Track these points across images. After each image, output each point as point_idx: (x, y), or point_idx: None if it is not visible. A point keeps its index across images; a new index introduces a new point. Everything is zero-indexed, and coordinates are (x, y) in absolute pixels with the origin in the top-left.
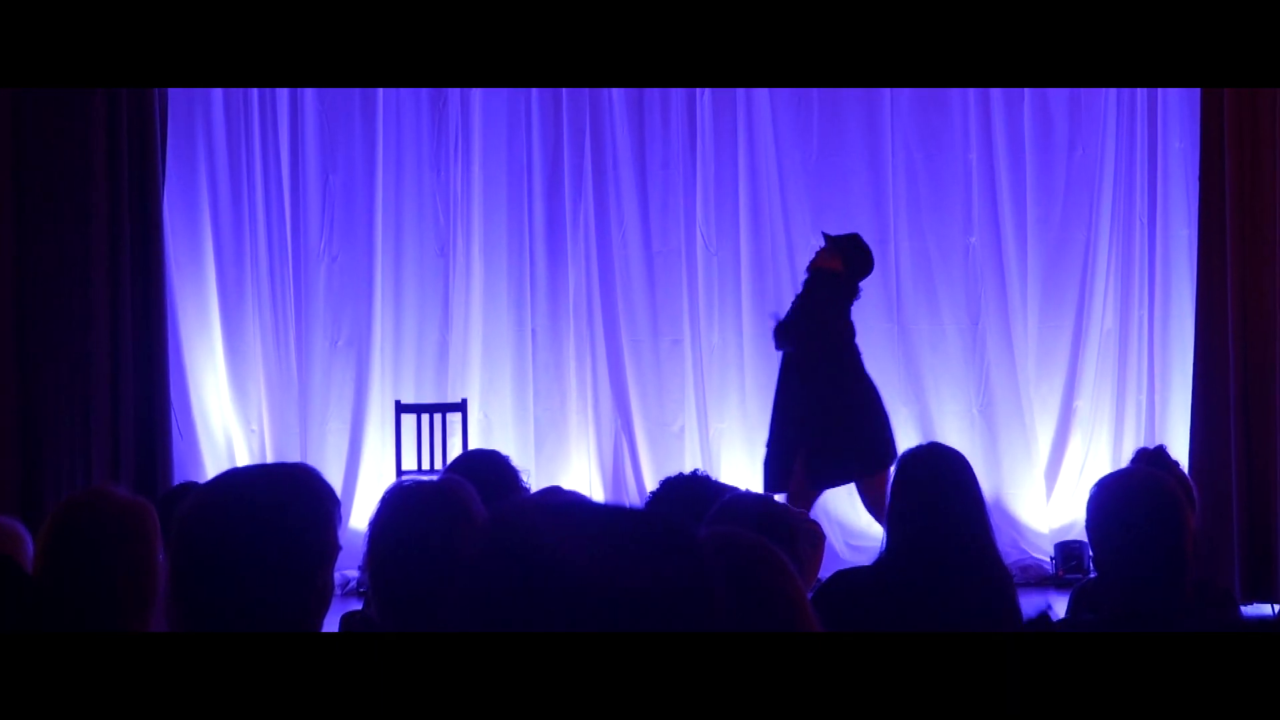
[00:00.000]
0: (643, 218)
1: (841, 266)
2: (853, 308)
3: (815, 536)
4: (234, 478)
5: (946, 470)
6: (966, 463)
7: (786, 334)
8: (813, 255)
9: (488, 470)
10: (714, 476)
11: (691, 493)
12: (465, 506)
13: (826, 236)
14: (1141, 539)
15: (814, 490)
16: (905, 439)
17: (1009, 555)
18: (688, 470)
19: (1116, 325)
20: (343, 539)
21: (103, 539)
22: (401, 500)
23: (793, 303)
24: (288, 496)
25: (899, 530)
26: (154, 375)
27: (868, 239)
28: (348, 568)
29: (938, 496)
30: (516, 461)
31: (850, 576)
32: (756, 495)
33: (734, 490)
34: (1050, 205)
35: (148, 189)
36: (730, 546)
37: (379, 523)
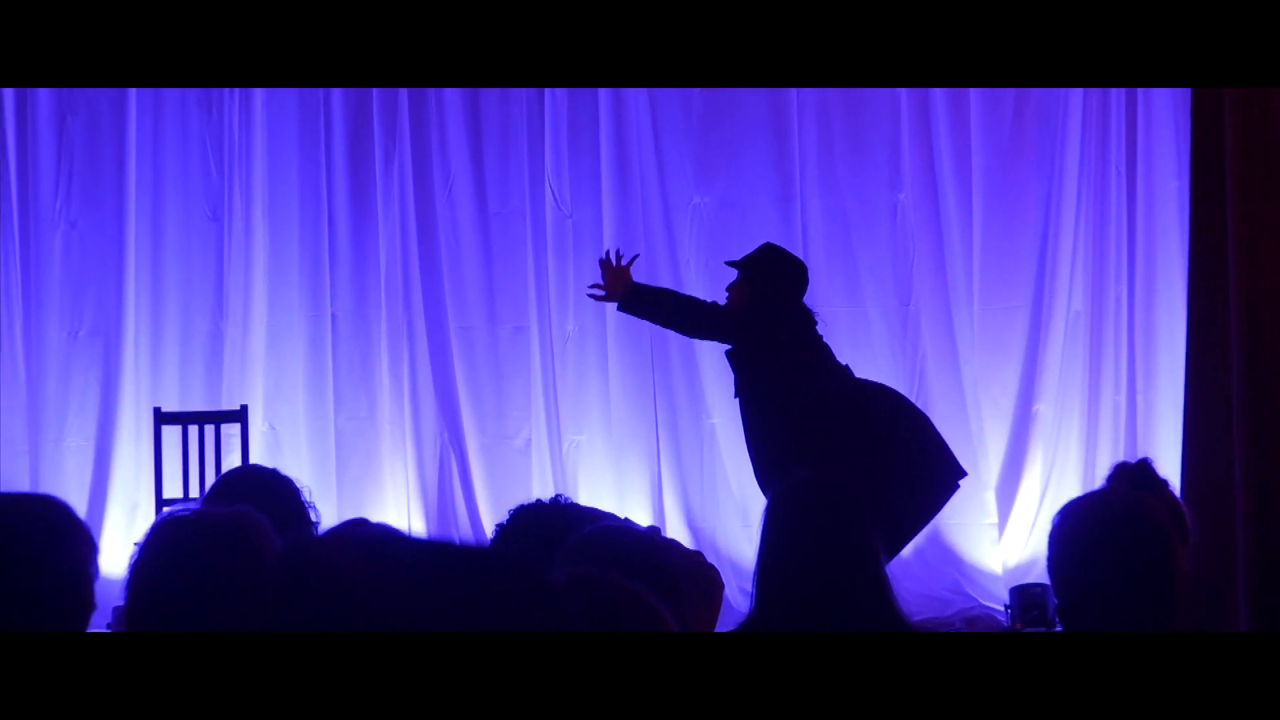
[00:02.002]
0: (475, 169)
1: (761, 293)
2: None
3: (709, 583)
4: None
5: (826, 515)
6: (856, 502)
7: (764, 412)
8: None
9: (263, 494)
10: (575, 503)
11: (552, 526)
12: (259, 548)
13: (731, 264)
14: (1119, 581)
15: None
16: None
17: (950, 604)
18: (546, 495)
19: (1087, 306)
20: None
21: None
22: (173, 537)
23: (738, 371)
24: (27, 541)
25: (767, 591)
26: None
27: (767, 193)
28: (96, 626)
29: (811, 551)
30: (305, 483)
31: None
32: (630, 526)
33: (605, 519)
34: (1000, 149)
35: None
36: (591, 593)
37: (143, 567)
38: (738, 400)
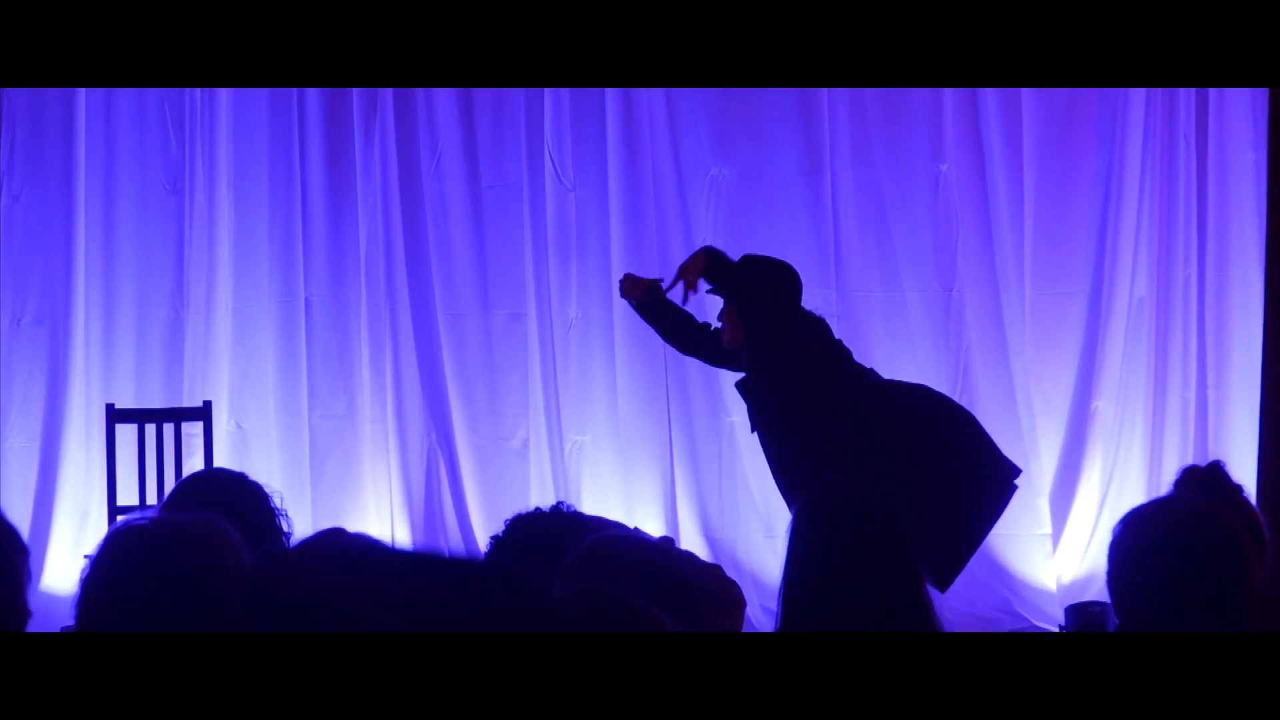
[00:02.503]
0: (466, 138)
1: (754, 325)
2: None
3: (728, 600)
4: None
5: (860, 525)
6: (893, 511)
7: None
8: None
9: (226, 504)
10: (578, 511)
11: (553, 537)
12: (225, 562)
13: (713, 292)
14: (1187, 598)
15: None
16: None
17: (999, 624)
18: (545, 503)
19: (1151, 291)
20: (34, 603)
21: None
22: (130, 549)
23: (750, 401)
24: None
25: (794, 608)
26: None
27: (793, 165)
28: None
29: (844, 562)
30: (276, 488)
31: None
32: (640, 537)
33: (611, 529)
34: (1055, 115)
35: None
36: (595, 610)
37: (95, 583)
38: (756, 434)
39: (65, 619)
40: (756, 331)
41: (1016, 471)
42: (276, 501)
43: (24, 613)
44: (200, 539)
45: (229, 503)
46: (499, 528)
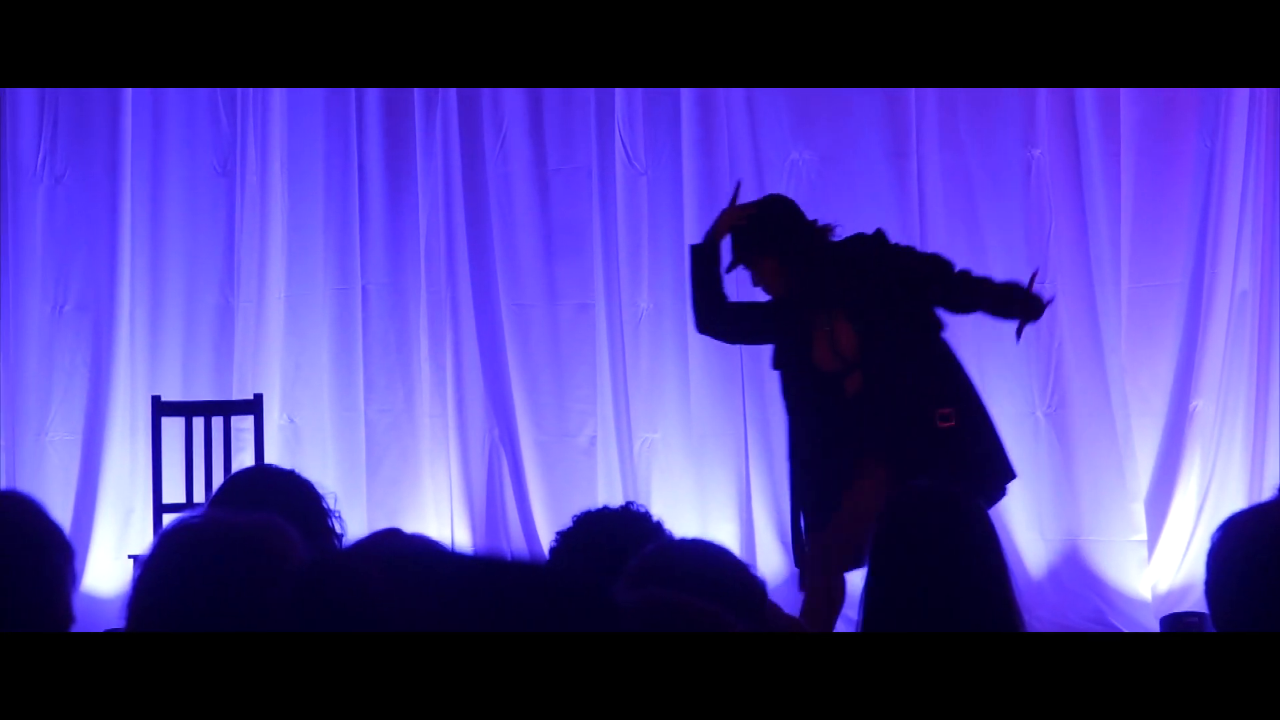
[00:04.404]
0: (532, 119)
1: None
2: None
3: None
4: None
5: (946, 527)
6: (981, 515)
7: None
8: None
9: (276, 501)
10: (650, 511)
11: (620, 538)
12: (284, 565)
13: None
14: None
15: None
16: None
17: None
18: (614, 502)
19: (1255, 284)
20: (76, 606)
21: None
22: (185, 550)
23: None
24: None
25: (876, 614)
26: None
27: (877, 149)
28: None
29: (930, 567)
30: (329, 487)
31: None
32: (705, 544)
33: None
34: (1155, 97)
35: None
36: (664, 616)
37: (148, 582)
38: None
39: (109, 621)
40: (778, 254)
41: (1013, 475)
42: (329, 502)
43: (68, 616)
44: (258, 540)
45: (280, 501)
46: (566, 525)
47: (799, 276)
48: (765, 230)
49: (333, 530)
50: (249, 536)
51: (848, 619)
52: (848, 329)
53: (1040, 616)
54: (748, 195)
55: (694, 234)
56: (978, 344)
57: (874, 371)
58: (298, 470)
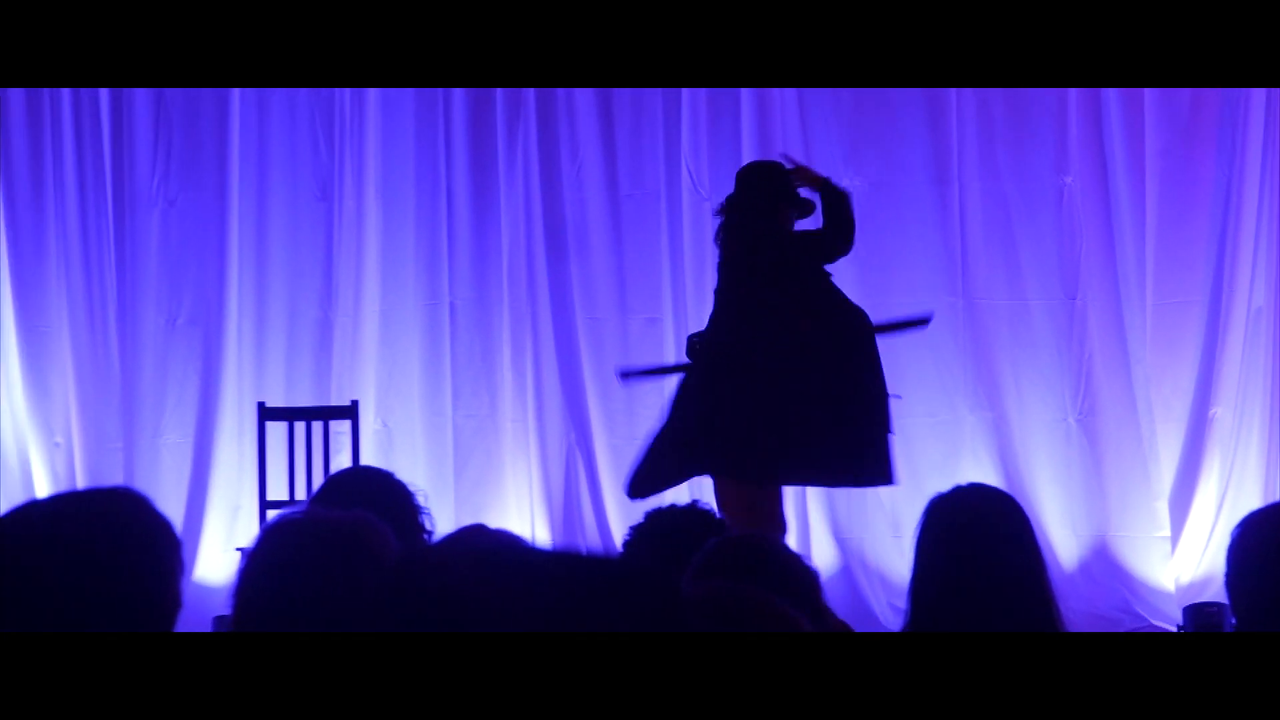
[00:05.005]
0: (606, 147)
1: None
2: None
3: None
4: (33, 513)
5: (989, 525)
6: (1019, 512)
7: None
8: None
9: (372, 498)
10: (713, 509)
11: (685, 534)
12: (379, 558)
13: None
14: None
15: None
16: (974, 457)
17: (1119, 624)
18: (681, 501)
19: (1270, 301)
20: (186, 594)
21: None
22: (286, 543)
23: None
24: (107, 538)
25: (923, 604)
26: None
27: (922, 175)
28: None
29: (974, 562)
30: (420, 486)
31: None
32: (762, 537)
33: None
34: (1178, 127)
35: None
36: (729, 607)
37: (252, 573)
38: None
39: (217, 609)
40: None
41: (890, 481)
42: (420, 499)
43: (176, 604)
44: (355, 535)
45: (375, 499)
46: (637, 522)
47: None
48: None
49: (423, 527)
50: (344, 531)
51: (895, 609)
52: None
53: (1072, 607)
54: (803, 221)
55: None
56: (1014, 356)
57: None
58: (393, 473)
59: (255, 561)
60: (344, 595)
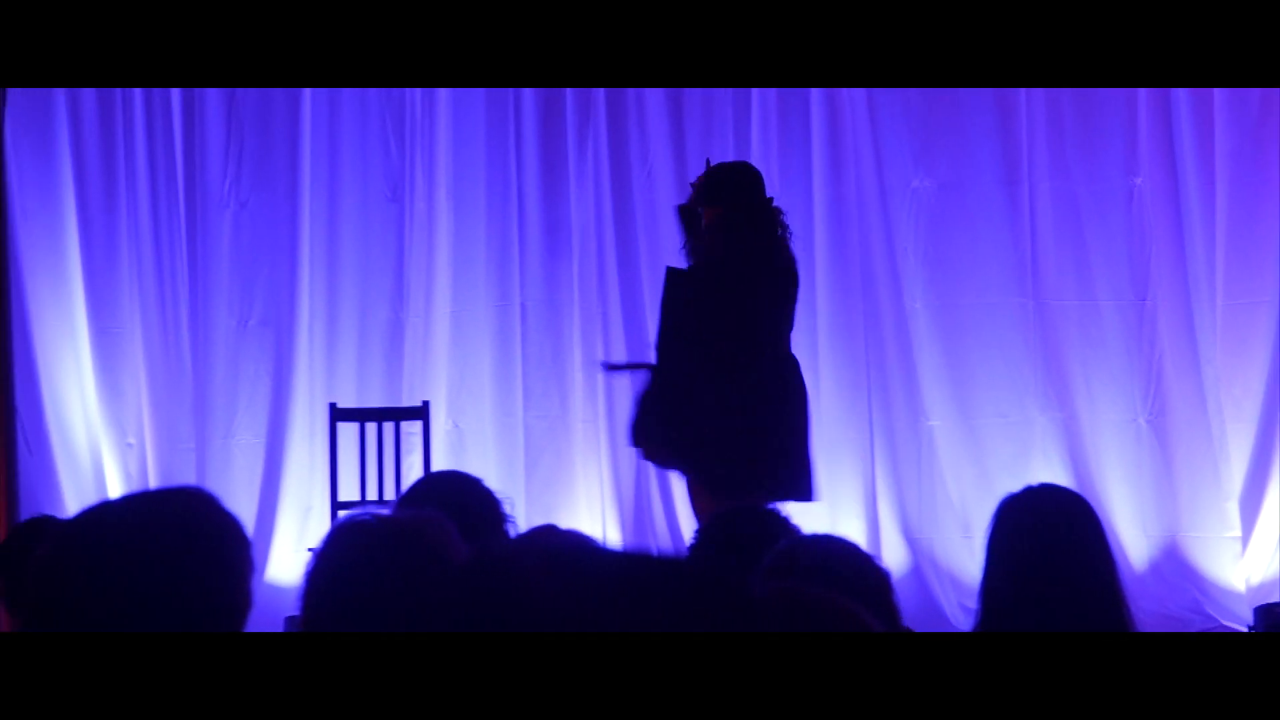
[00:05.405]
0: (675, 149)
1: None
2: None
3: None
4: (107, 514)
5: (1060, 525)
6: (1090, 513)
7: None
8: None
9: (458, 502)
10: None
11: (756, 535)
12: (443, 555)
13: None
14: None
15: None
16: (1044, 458)
17: (1189, 624)
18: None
19: None
20: (258, 593)
21: None
22: (355, 543)
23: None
24: (177, 538)
25: (994, 604)
26: None
27: (992, 176)
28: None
29: (1045, 562)
30: (498, 489)
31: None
32: (834, 539)
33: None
34: (1247, 127)
35: None
36: (799, 608)
37: (321, 573)
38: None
39: (289, 609)
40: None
41: (809, 497)
42: (507, 507)
43: (247, 602)
44: (417, 534)
45: (459, 504)
46: (706, 523)
47: (735, 234)
48: (718, 182)
49: (508, 535)
50: (408, 531)
51: (966, 609)
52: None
53: (1142, 607)
54: (872, 222)
55: (824, 256)
56: (1084, 356)
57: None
58: (469, 474)
59: (321, 562)
60: (409, 594)
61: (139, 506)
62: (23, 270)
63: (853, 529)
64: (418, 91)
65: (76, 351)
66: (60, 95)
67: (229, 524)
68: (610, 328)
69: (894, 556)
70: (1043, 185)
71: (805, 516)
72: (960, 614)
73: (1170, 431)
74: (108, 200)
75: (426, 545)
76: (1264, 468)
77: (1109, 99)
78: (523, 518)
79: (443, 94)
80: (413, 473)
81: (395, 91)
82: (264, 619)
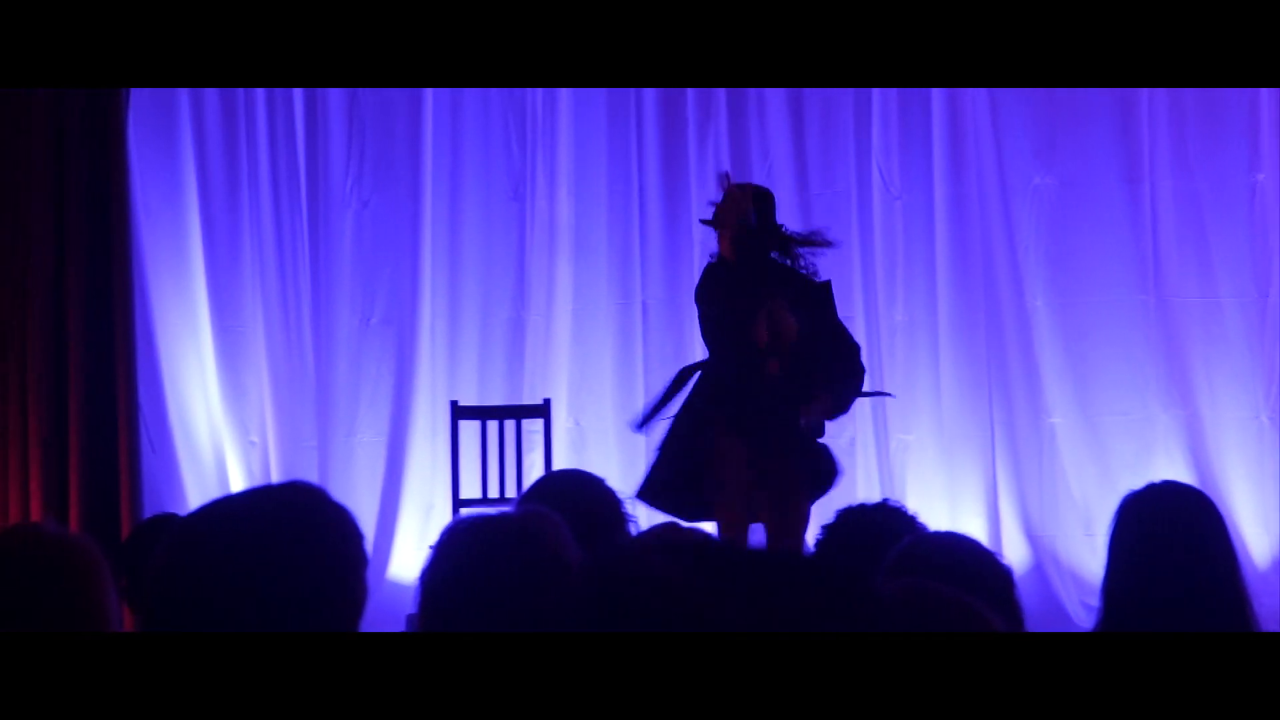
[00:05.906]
0: (796, 147)
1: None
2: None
3: None
4: (228, 509)
5: (1182, 522)
6: (1214, 510)
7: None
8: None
9: (578, 501)
10: (905, 507)
11: (879, 532)
12: (554, 551)
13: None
14: None
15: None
16: (1166, 455)
17: None
18: (873, 498)
19: None
20: (376, 589)
21: (27, 591)
22: (468, 541)
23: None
24: (289, 531)
25: (1116, 602)
26: (115, 370)
27: (1113, 174)
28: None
29: (1168, 559)
30: (619, 488)
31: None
32: (957, 536)
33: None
34: None
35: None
36: (923, 606)
37: (435, 572)
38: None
39: (411, 607)
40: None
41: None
42: (628, 508)
43: (362, 593)
44: (529, 531)
45: (579, 503)
46: (828, 519)
47: (750, 252)
48: (737, 208)
49: (627, 524)
50: (520, 529)
51: (1088, 607)
52: (788, 316)
53: (1265, 604)
54: (993, 219)
55: (945, 254)
56: (1206, 353)
57: (792, 360)
58: (591, 473)
59: (437, 561)
60: (524, 591)
61: (249, 502)
62: (146, 270)
63: (974, 526)
64: (539, 91)
65: (199, 350)
66: (183, 95)
67: (339, 515)
68: None
69: (1016, 554)
70: (1164, 182)
71: (928, 516)
72: (1082, 612)
73: None
74: (230, 200)
75: (536, 542)
76: None
77: (1230, 97)
78: (645, 516)
79: (564, 94)
80: (534, 470)
81: (517, 91)
82: (387, 617)
